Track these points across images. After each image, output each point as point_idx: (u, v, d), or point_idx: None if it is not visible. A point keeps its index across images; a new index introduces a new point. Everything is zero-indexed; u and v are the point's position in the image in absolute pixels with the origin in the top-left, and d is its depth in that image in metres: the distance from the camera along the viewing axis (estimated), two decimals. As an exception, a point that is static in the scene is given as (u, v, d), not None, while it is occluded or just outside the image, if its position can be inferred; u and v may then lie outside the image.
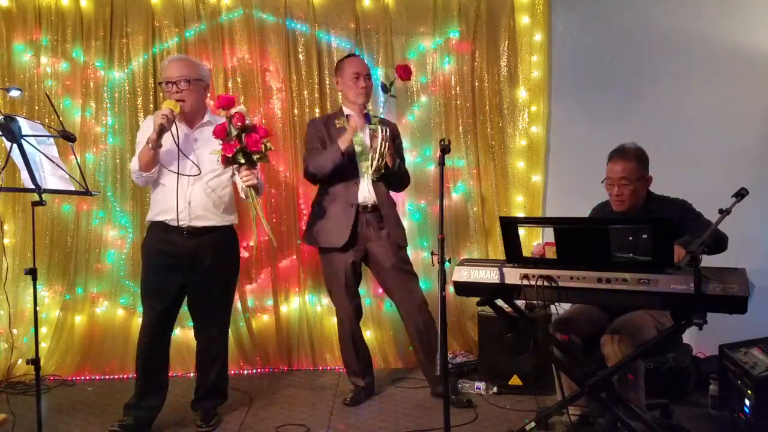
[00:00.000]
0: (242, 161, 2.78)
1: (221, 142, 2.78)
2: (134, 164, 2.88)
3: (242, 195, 2.95)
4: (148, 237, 3.05)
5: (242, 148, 2.75)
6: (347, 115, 3.29)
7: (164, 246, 2.93)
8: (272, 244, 3.47)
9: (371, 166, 3.15)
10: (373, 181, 3.23)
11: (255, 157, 2.79)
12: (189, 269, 2.94)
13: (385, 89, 3.24)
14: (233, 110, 2.74)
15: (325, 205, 3.27)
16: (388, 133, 3.11)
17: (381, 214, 3.27)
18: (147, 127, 2.90)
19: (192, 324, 3.21)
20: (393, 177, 3.28)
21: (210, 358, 3.13)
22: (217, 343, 3.14)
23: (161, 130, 2.73)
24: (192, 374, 3.24)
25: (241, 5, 3.87)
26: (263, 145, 2.79)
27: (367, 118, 3.26)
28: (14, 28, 3.83)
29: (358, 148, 3.21)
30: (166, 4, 3.85)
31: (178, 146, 2.79)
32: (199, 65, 3.04)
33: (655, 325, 2.67)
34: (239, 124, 2.74)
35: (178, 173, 2.83)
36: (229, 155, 2.76)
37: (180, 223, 2.89)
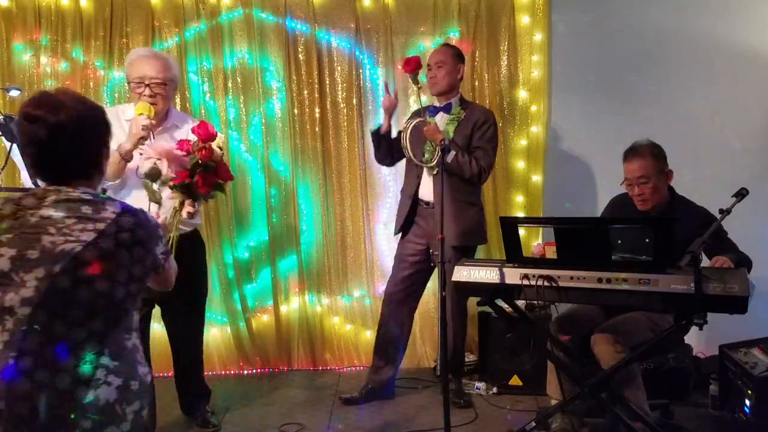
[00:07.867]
0: (180, 193, 2.29)
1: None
2: None
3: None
4: None
5: (188, 183, 2.27)
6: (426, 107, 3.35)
7: None
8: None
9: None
10: (433, 175, 3.19)
11: (198, 197, 2.33)
12: None
13: (415, 81, 3.23)
14: (206, 143, 2.28)
15: (400, 195, 3.43)
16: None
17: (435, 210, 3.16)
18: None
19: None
20: (450, 170, 3.09)
21: (195, 360, 3.10)
22: (198, 344, 3.11)
23: (141, 142, 2.46)
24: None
25: (240, 5, 3.86)
26: (211, 190, 2.32)
27: (446, 108, 3.28)
28: (14, 27, 3.82)
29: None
30: (166, 3, 3.85)
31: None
32: (173, 63, 2.78)
33: (649, 326, 2.65)
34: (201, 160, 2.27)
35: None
36: (172, 185, 2.28)
37: None
